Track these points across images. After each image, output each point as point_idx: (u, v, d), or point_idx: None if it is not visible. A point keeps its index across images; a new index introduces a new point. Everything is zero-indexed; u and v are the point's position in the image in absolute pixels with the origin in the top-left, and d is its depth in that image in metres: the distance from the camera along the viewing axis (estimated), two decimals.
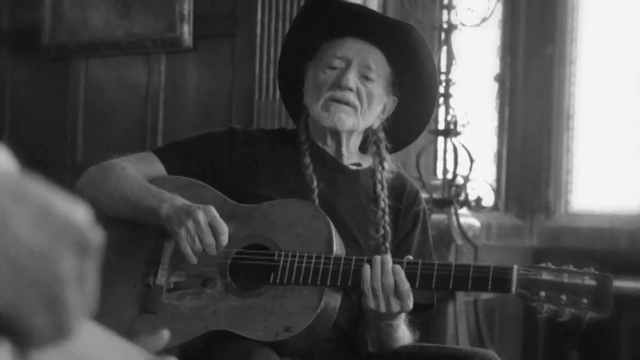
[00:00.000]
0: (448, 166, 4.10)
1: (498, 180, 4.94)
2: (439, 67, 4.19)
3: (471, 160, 4.05)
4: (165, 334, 1.06)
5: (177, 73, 3.59)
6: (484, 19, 4.17)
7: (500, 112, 5.00)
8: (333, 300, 1.92)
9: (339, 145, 2.12)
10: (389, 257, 1.90)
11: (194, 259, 1.90)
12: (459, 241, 3.84)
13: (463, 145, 4.08)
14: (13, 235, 0.62)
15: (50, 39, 3.77)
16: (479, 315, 4.01)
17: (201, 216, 1.87)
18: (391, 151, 2.20)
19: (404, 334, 2.01)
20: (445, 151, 4.13)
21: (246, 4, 3.42)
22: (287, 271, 1.91)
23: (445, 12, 4.15)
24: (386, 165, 2.15)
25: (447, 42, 4.14)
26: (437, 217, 3.97)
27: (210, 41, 3.53)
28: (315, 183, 2.06)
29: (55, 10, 3.75)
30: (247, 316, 1.91)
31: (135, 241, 2.02)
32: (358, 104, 2.05)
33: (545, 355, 4.47)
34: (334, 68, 2.06)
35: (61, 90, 3.82)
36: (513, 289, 1.87)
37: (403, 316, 1.96)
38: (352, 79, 2.04)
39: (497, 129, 5.01)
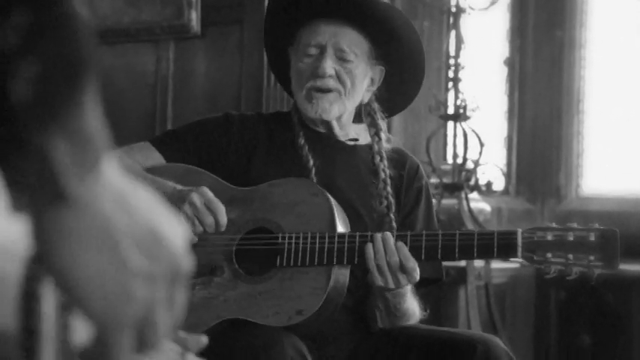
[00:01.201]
0: (458, 150, 4.09)
1: (509, 164, 4.93)
2: (447, 51, 4.17)
3: (481, 145, 4.04)
4: (204, 340, 1.10)
5: (186, 60, 3.59)
6: (493, 3, 4.15)
7: (510, 96, 4.98)
8: (342, 276, 1.93)
9: (330, 128, 2.13)
10: (389, 234, 1.89)
11: (195, 239, 1.90)
12: (470, 226, 3.83)
13: (473, 130, 4.07)
14: (122, 259, 0.66)
15: None
16: (490, 299, 4.01)
17: (196, 198, 1.88)
18: (387, 116, 2.20)
19: (412, 307, 2.01)
20: (455, 135, 4.12)
21: None
22: (293, 253, 1.91)
23: None
24: (382, 135, 2.15)
25: (456, 26, 4.12)
26: (447, 202, 3.96)
27: (219, 28, 3.53)
28: (312, 162, 2.06)
29: None
30: (258, 302, 1.91)
31: None
32: (341, 87, 2.05)
33: (557, 340, 4.46)
34: (311, 56, 2.06)
35: None
36: (519, 253, 1.87)
37: (409, 286, 1.96)
38: (329, 65, 2.03)
39: (507, 113, 4.99)
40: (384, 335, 2.02)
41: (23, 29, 0.60)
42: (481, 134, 4.07)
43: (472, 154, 4.06)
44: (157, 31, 3.56)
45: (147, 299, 0.67)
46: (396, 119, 4.49)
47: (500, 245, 1.88)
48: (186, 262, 0.71)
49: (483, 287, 4.00)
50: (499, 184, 4.32)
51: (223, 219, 1.90)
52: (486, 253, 1.94)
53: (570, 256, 1.87)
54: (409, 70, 2.17)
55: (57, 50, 0.62)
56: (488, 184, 4.10)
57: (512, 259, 1.94)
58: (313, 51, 2.06)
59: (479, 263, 3.96)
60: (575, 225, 1.90)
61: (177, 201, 1.88)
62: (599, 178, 4.93)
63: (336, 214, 1.94)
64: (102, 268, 0.65)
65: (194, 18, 3.49)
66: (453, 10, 4.12)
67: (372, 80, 2.12)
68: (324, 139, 2.12)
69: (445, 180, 4.03)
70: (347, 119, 2.14)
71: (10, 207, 0.65)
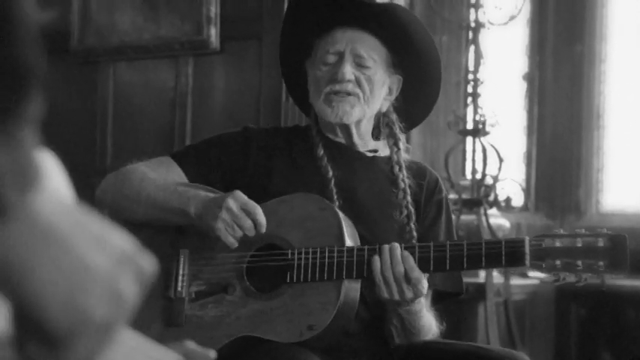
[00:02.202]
0: (477, 166, 4.08)
1: (528, 180, 4.91)
2: (466, 67, 4.16)
3: (500, 160, 4.02)
4: (212, 354, 1.09)
5: (205, 75, 3.60)
6: (512, 18, 4.14)
7: (529, 111, 4.96)
8: (352, 291, 1.92)
9: (349, 136, 2.12)
10: (396, 245, 1.89)
11: (236, 245, 1.89)
12: None
13: (492, 145, 4.05)
14: (78, 256, 0.65)
15: (78, 43, 3.79)
16: (509, 315, 3.98)
17: (231, 203, 1.87)
18: (406, 130, 2.19)
19: (428, 323, 1.99)
20: (474, 151, 4.11)
21: (273, 6, 3.42)
22: (302, 269, 1.91)
23: (473, 11, 4.13)
24: (401, 145, 2.14)
25: (475, 41, 4.11)
26: (466, 217, 3.95)
27: (238, 43, 3.53)
28: (331, 173, 2.06)
29: (83, 14, 3.77)
30: (270, 318, 1.91)
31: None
32: (360, 92, 2.04)
33: (577, 357, 4.43)
34: (329, 64, 2.06)
35: (90, 94, 3.83)
36: (527, 262, 1.85)
37: (423, 302, 1.95)
38: (348, 70, 2.03)
39: (527, 128, 4.97)
40: (405, 351, 2.01)
41: None
42: (500, 150, 4.06)
43: (491, 170, 4.05)
44: (176, 47, 3.58)
45: (112, 295, 0.66)
46: (415, 135, 4.48)
47: (508, 254, 1.86)
48: (148, 263, 0.70)
49: (502, 304, 3.98)
50: (518, 200, 4.30)
51: (262, 219, 1.90)
52: (495, 263, 1.91)
53: (579, 262, 1.85)
54: (426, 80, 2.16)
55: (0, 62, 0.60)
56: (508, 200, 4.08)
57: (520, 266, 1.91)
58: (331, 58, 2.06)
59: (498, 279, 3.94)
60: (583, 231, 1.88)
61: (213, 208, 1.88)
62: (619, 194, 4.89)
63: (344, 228, 1.93)
64: (56, 271, 0.64)
65: (213, 34, 3.50)
66: (472, 25, 4.11)
67: (390, 89, 2.12)
68: (343, 150, 2.12)
69: (464, 196, 4.02)
70: (365, 128, 2.13)
71: None
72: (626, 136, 4.88)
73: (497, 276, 3.93)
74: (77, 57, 3.82)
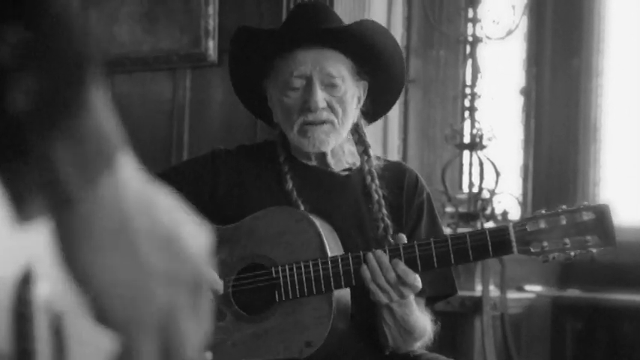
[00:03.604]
0: (474, 180, 4.08)
1: (525, 193, 4.91)
2: (464, 81, 4.17)
3: (497, 174, 4.03)
4: (209, 356, 1.09)
5: (203, 88, 3.60)
6: (509, 32, 4.16)
7: (526, 125, 4.97)
8: (343, 298, 1.91)
9: (323, 157, 2.06)
10: (380, 252, 1.86)
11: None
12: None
13: (489, 159, 4.06)
14: (140, 260, 0.66)
15: None
16: (506, 329, 3.98)
17: None
18: (369, 122, 2.12)
19: (422, 321, 1.97)
20: (471, 164, 4.11)
21: (271, 18, 3.43)
22: (290, 286, 1.90)
23: (470, 25, 4.14)
24: (371, 152, 2.08)
25: (472, 55, 4.12)
26: (463, 231, 3.95)
27: None
28: (302, 207, 2.00)
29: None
30: (266, 340, 1.90)
31: None
32: (334, 117, 1.97)
33: None
34: (296, 89, 1.97)
35: None
36: (514, 249, 1.83)
37: (413, 298, 1.92)
38: (320, 98, 1.95)
39: (523, 142, 4.98)
40: (399, 356, 2.00)
41: (21, 43, 0.60)
42: (497, 163, 4.07)
43: (488, 184, 4.05)
44: (174, 60, 3.58)
45: (167, 302, 0.67)
46: (412, 148, 4.49)
47: (494, 243, 1.83)
48: (207, 273, 0.70)
49: (499, 317, 3.97)
50: (515, 214, 4.30)
51: (217, 286, 1.88)
52: (482, 255, 1.88)
53: (567, 240, 1.82)
54: (392, 78, 2.10)
55: (54, 59, 0.62)
56: (504, 214, 4.08)
57: (508, 254, 1.88)
58: (298, 83, 1.97)
59: (494, 293, 3.94)
60: (564, 207, 1.85)
61: None
62: (616, 207, 4.90)
63: (324, 238, 1.91)
64: (119, 269, 0.65)
65: (211, 47, 3.50)
66: (470, 39, 4.13)
67: (359, 99, 2.05)
68: (315, 177, 2.06)
69: (461, 209, 4.02)
70: (340, 147, 2.07)
71: (12, 219, 0.64)
72: (623, 149, 4.89)
73: (493, 289, 3.93)
74: None
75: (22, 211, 0.64)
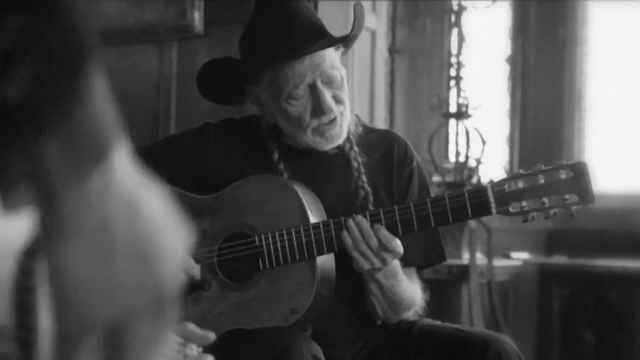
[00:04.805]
0: (460, 149, 4.11)
1: (511, 162, 4.94)
2: (449, 50, 4.18)
3: (483, 143, 4.05)
4: (211, 336, 1.10)
5: (189, 60, 3.60)
6: (495, 1, 4.16)
7: (512, 94, 4.99)
8: (327, 264, 1.93)
9: None
10: (361, 217, 1.87)
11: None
12: (473, 224, 3.84)
13: (475, 128, 4.08)
14: (112, 264, 0.65)
15: None
16: (493, 297, 4.02)
17: None
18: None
19: (410, 291, 1.98)
20: (457, 134, 4.14)
21: None
22: (273, 254, 1.91)
23: None
24: (347, 114, 2.02)
25: (458, 24, 4.13)
26: None
27: (222, 28, 3.53)
28: (286, 176, 2.00)
29: None
30: (251, 308, 1.92)
31: None
32: (343, 107, 1.97)
33: (560, 337, 4.48)
34: (300, 98, 1.95)
35: None
36: (493, 209, 1.83)
37: (397, 264, 1.93)
38: (329, 99, 1.94)
39: (509, 111, 5.00)
40: (391, 332, 2.02)
41: (18, 32, 0.60)
42: (483, 132, 4.09)
43: (474, 153, 4.08)
44: (161, 32, 3.58)
45: (126, 311, 0.66)
46: (399, 117, 4.50)
47: (473, 205, 1.84)
48: (178, 281, 0.69)
49: (486, 285, 4.01)
50: None
51: (193, 271, 1.90)
52: (461, 216, 1.88)
53: (545, 199, 1.82)
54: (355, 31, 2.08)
55: (53, 49, 0.62)
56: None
57: (487, 215, 1.88)
58: (301, 91, 1.95)
59: (481, 261, 3.97)
60: (542, 167, 1.86)
61: None
62: (601, 176, 4.94)
63: (305, 205, 1.92)
64: (90, 268, 0.64)
65: (197, 18, 3.50)
66: (455, 8, 4.13)
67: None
68: (304, 159, 2.04)
69: (447, 178, 4.04)
70: None
71: (3, 205, 0.65)
72: (607, 117, 4.92)
73: (480, 257, 3.97)
74: None
75: (9, 199, 0.64)
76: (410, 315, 2.03)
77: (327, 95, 1.95)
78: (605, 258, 4.44)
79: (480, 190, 1.86)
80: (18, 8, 0.60)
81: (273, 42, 1.98)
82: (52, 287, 0.65)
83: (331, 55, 1.97)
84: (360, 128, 2.08)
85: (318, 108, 1.94)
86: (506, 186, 1.83)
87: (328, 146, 1.99)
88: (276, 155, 2.03)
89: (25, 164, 0.62)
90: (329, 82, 1.96)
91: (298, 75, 1.94)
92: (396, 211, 1.87)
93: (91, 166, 0.63)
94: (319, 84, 1.94)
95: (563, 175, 1.83)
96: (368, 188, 2.01)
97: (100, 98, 0.65)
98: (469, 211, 1.85)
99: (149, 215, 0.67)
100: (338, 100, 1.97)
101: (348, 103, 2.00)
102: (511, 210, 1.83)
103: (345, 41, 2.01)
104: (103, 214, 0.64)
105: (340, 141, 2.00)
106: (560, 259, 4.62)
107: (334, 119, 1.97)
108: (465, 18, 4.15)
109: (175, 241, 0.69)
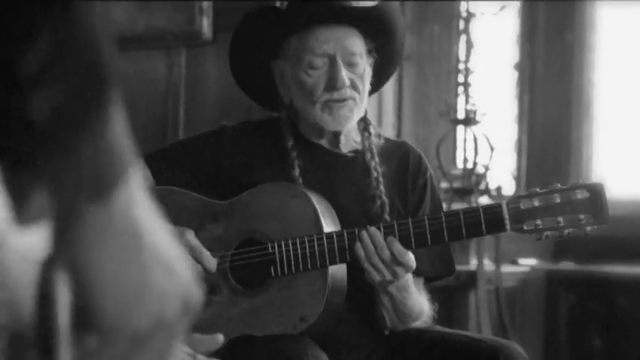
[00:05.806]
0: (468, 155, 4.11)
1: (519, 168, 4.93)
2: (458, 56, 4.18)
3: (491, 149, 4.05)
4: (220, 338, 1.11)
5: (197, 66, 3.61)
6: (503, 7, 4.17)
7: (520, 100, 4.98)
8: (339, 274, 1.92)
9: (336, 137, 2.06)
10: (374, 229, 1.87)
11: None
12: None
13: (483, 134, 4.08)
14: (143, 273, 0.68)
15: None
16: (501, 303, 4.01)
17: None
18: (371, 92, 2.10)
19: (419, 303, 1.98)
20: (465, 140, 4.14)
21: None
22: (285, 261, 1.91)
23: (464, 0, 4.14)
24: (372, 130, 2.08)
25: (466, 30, 4.13)
26: (457, 206, 3.97)
27: (230, 34, 3.54)
28: (302, 184, 2.01)
29: None
30: (261, 315, 1.92)
31: None
32: (356, 94, 1.97)
33: (568, 344, 4.46)
34: (317, 68, 1.96)
35: None
36: (508, 227, 1.83)
37: (410, 278, 1.93)
38: (344, 75, 1.94)
39: (517, 117, 5.00)
40: (400, 339, 2.02)
41: (44, 56, 0.62)
42: (491, 138, 4.09)
43: (482, 159, 4.08)
44: (169, 38, 3.59)
45: (158, 317, 0.68)
46: (407, 123, 4.50)
47: (488, 221, 1.84)
48: (197, 293, 0.72)
49: (494, 291, 4.01)
50: (509, 189, 4.33)
51: (209, 264, 1.90)
52: (475, 232, 1.87)
53: (560, 219, 1.82)
54: (396, 53, 2.11)
55: (79, 74, 0.64)
56: (499, 189, 4.11)
57: (501, 232, 1.88)
58: (320, 62, 1.96)
59: (489, 267, 3.97)
60: (558, 185, 1.86)
61: None
62: (609, 182, 4.92)
63: (320, 214, 1.92)
64: (121, 276, 0.66)
65: (205, 24, 3.51)
66: (464, 14, 4.14)
67: (369, 75, 2.05)
68: (322, 154, 2.06)
69: (455, 184, 4.04)
70: (352, 126, 2.06)
71: (20, 218, 0.66)
72: (615, 124, 4.91)
73: (488, 263, 3.97)
74: None
75: (24, 212, 0.66)
76: (417, 324, 2.03)
77: (345, 73, 1.95)
78: (613, 264, 4.42)
79: (494, 206, 1.85)
80: (49, 32, 0.63)
81: (301, 8, 1.99)
82: (77, 297, 0.67)
83: (357, 40, 1.98)
84: (382, 140, 2.09)
85: (332, 81, 1.95)
86: (521, 204, 1.83)
87: (335, 127, 1.99)
88: (294, 155, 2.03)
89: (46, 183, 0.64)
90: (349, 64, 1.97)
91: (321, 42, 1.95)
92: (410, 225, 1.87)
93: (112, 186, 0.66)
94: (339, 58, 1.95)
95: (579, 195, 1.82)
96: (385, 199, 2.01)
97: (119, 124, 0.67)
98: (483, 227, 1.84)
99: (160, 233, 0.70)
100: (354, 87, 1.97)
101: (364, 98, 2.01)
102: (525, 228, 1.83)
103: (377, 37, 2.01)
104: (133, 229, 0.67)
105: (348, 125, 2.00)
106: (567, 265, 4.61)
107: (345, 100, 1.96)
108: (473, 25, 4.15)
109: (183, 257, 0.71)
